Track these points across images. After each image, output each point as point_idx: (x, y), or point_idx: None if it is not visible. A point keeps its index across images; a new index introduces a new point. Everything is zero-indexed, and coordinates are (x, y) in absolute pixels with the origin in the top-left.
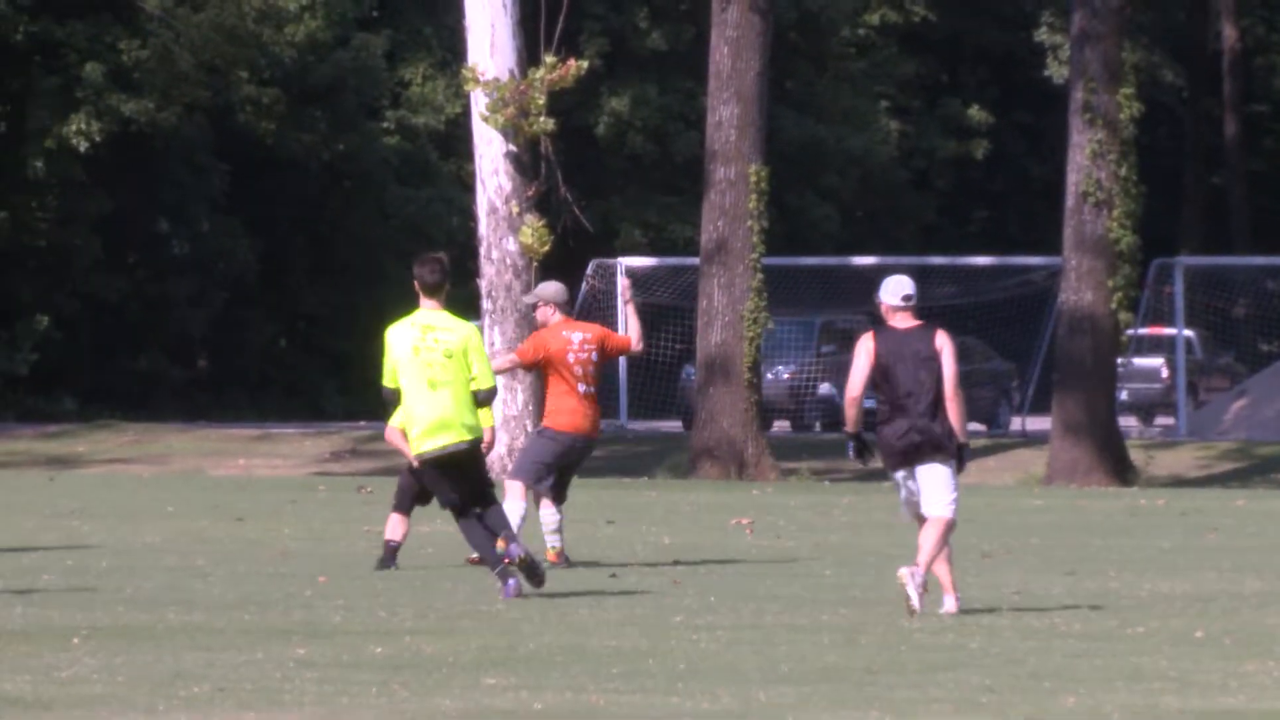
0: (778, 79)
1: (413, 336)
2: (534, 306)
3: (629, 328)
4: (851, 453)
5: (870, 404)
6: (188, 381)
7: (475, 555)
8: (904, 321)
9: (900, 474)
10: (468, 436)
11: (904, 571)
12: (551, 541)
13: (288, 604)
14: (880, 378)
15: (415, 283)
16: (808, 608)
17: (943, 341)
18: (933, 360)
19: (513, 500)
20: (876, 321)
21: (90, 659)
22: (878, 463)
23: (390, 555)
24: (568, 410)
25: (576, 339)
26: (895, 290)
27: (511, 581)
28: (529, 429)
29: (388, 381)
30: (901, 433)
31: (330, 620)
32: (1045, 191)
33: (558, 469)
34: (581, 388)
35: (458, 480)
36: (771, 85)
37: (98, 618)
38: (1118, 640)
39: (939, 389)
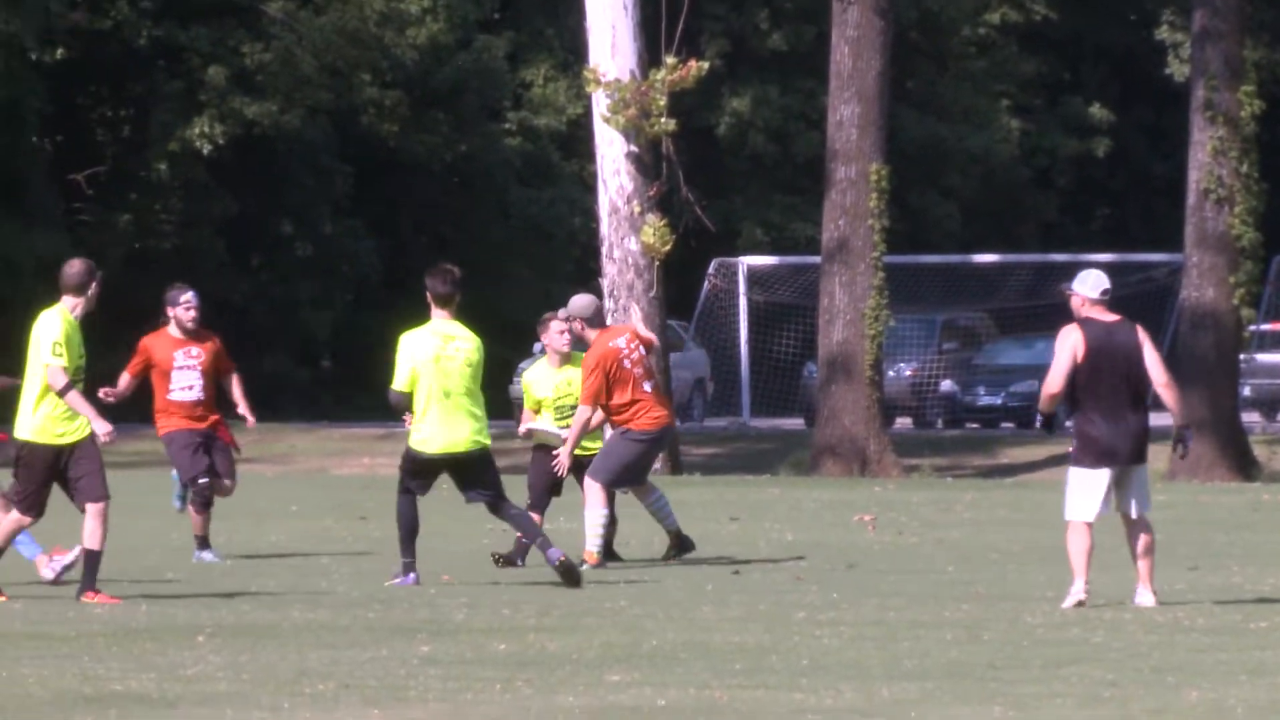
0: (898, 78)
1: (434, 345)
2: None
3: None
4: (1040, 424)
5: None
6: (312, 382)
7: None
8: (1103, 315)
9: (1098, 471)
10: (475, 446)
11: (1142, 601)
12: (592, 544)
13: (412, 602)
14: (1087, 371)
15: (427, 293)
16: (930, 604)
17: (1143, 335)
18: (1138, 354)
19: (593, 508)
20: (1067, 315)
21: (215, 656)
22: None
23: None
24: (643, 408)
25: (623, 343)
26: (1095, 284)
27: (412, 575)
28: None
29: (404, 386)
30: (1111, 431)
31: (454, 618)
32: (1166, 189)
33: (640, 467)
34: (647, 385)
35: (460, 476)
36: (892, 84)
37: (222, 616)
38: (1241, 635)
39: (1141, 385)
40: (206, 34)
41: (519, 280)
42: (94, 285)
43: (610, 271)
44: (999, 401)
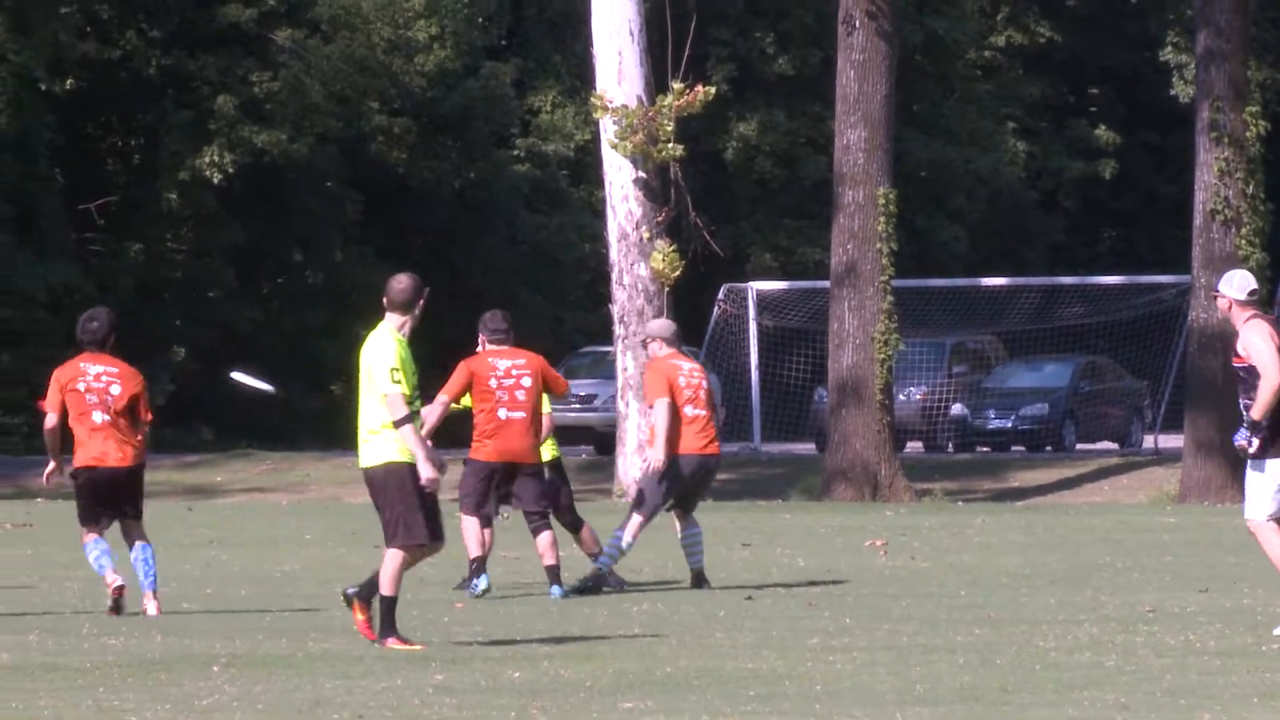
0: (904, 102)
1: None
2: (645, 342)
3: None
4: (1252, 440)
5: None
6: (323, 410)
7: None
8: (1258, 313)
9: None
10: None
11: None
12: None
13: (425, 630)
14: None
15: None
16: (943, 628)
17: None
18: None
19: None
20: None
21: (230, 687)
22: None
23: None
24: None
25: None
26: (1241, 285)
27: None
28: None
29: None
30: None
31: (468, 645)
32: (1173, 210)
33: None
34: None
35: None
36: (898, 108)
37: (237, 646)
38: (1253, 656)
39: None
40: (215, 63)
41: (530, 306)
42: (421, 302)
43: (620, 297)
44: (1009, 424)
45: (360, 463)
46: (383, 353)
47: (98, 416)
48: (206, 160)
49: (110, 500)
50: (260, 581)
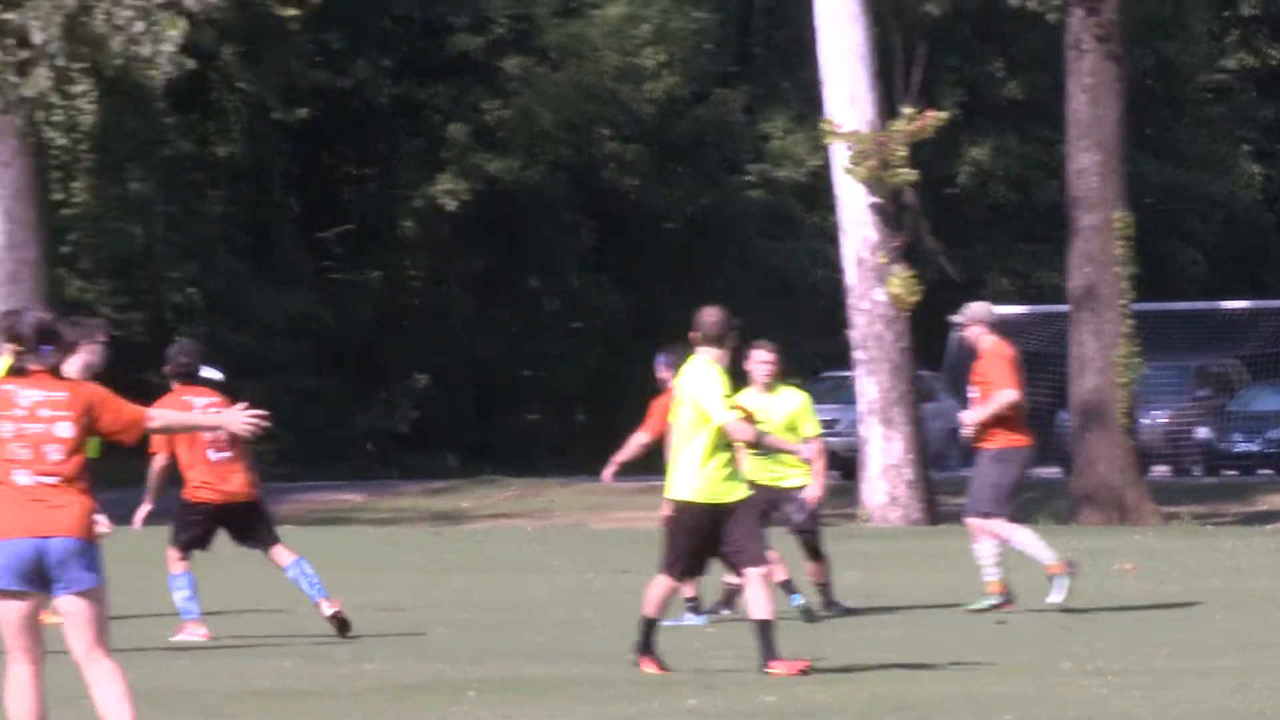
0: (1135, 125)
1: None
2: (962, 327)
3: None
4: None
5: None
6: (566, 436)
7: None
8: None
9: None
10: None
11: None
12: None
13: (678, 654)
14: None
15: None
16: (1197, 652)
17: None
18: None
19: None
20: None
21: (484, 712)
22: None
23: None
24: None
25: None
26: None
27: None
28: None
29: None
30: None
31: (721, 669)
32: None
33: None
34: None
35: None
36: (1130, 131)
37: (489, 671)
38: None
39: None
40: (445, 91)
41: (766, 332)
42: (734, 333)
43: (859, 323)
44: (1256, 448)
45: (672, 492)
46: (708, 385)
47: (212, 454)
48: (440, 189)
49: (234, 531)
50: (509, 607)
